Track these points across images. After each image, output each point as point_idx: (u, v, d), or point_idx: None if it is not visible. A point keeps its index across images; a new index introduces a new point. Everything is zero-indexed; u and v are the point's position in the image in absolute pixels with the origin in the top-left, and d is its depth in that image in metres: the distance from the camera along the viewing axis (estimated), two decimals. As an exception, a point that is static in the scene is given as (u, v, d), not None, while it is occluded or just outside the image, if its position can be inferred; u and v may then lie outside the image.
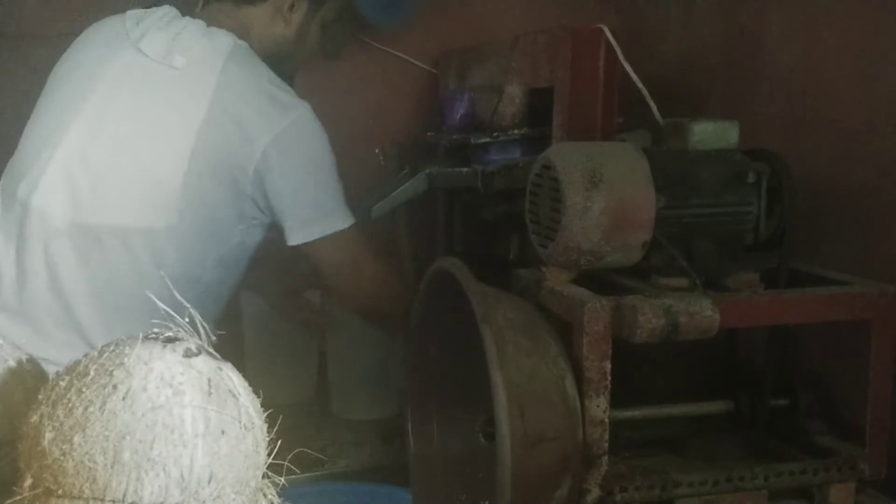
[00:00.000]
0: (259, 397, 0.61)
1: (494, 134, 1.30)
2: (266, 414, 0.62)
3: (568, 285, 0.97)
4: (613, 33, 1.15)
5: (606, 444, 0.90)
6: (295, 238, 1.22)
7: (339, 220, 1.23)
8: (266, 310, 1.48)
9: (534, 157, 1.24)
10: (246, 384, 0.61)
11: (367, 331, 1.42)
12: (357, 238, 1.26)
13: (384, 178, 1.44)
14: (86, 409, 0.55)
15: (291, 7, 1.30)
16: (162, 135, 1.17)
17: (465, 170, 1.30)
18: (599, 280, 1.01)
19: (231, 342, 0.67)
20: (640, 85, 1.13)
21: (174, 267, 1.16)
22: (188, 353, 0.59)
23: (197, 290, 1.19)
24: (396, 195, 1.37)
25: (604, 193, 0.94)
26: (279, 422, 0.62)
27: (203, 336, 0.60)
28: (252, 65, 1.23)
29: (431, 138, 1.44)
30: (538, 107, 1.27)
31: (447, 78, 1.52)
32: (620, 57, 1.15)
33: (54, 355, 0.60)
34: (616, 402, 0.91)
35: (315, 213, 1.22)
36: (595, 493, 0.91)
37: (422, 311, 1.08)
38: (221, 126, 1.17)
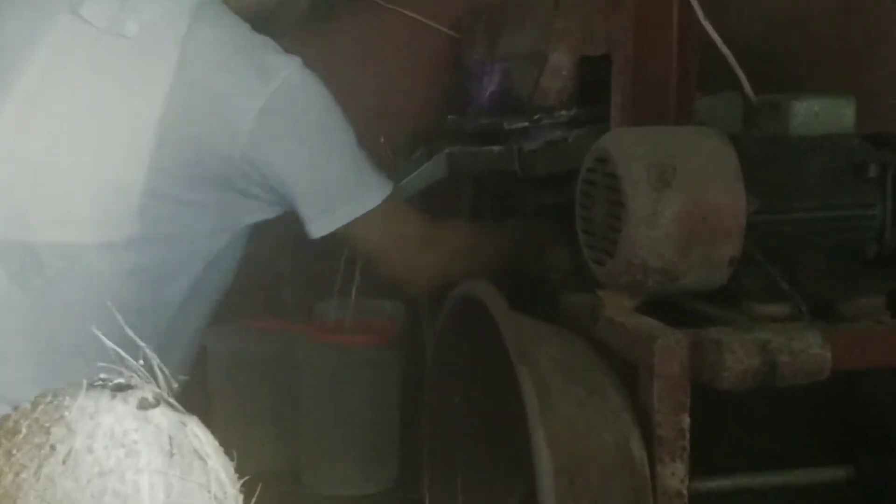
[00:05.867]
0: (233, 461, 0.63)
1: (535, 117, 1.33)
2: (241, 482, 0.64)
3: (632, 314, 0.99)
4: (690, -16, 1.17)
5: (685, 524, 0.92)
6: (318, 229, 1.22)
7: (368, 194, 1.23)
8: (237, 348, 1.51)
9: (587, 128, 1.26)
10: (216, 444, 0.63)
11: (350, 377, 1.44)
12: (396, 210, 1.27)
13: (391, 169, 1.47)
14: (17, 475, 0.57)
15: None
16: (115, 125, 1.19)
17: (496, 149, 1.33)
18: (673, 308, 1.02)
19: (196, 390, 0.69)
20: (725, 51, 1.14)
21: (137, 291, 1.18)
22: (144, 405, 0.60)
23: (166, 318, 1.20)
24: (407, 184, 1.39)
25: (678, 194, 0.96)
26: (257, 492, 0.64)
27: (162, 382, 0.62)
28: (224, 22, 1.23)
29: (453, 122, 1.47)
30: (592, 81, 1.30)
31: (473, 44, 1.54)
32: (699, 15, 1.16)
33: None
34: (697, 468, 0.92)
35: (336, 193, 1.22)
36: (671, 587, 0.92)
37: (441, 351, 1.10)
38: (191, 106, 1.18)
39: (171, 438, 0.60)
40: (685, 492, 0.91)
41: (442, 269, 1.28)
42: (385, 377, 1.48)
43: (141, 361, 0.60)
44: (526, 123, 1.33)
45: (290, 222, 1.29)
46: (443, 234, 1.32)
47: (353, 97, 1.52)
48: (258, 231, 1.29)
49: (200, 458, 0.60)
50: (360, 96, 1.55)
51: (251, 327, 1.49)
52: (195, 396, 0.69)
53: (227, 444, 0.64)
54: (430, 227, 1.30)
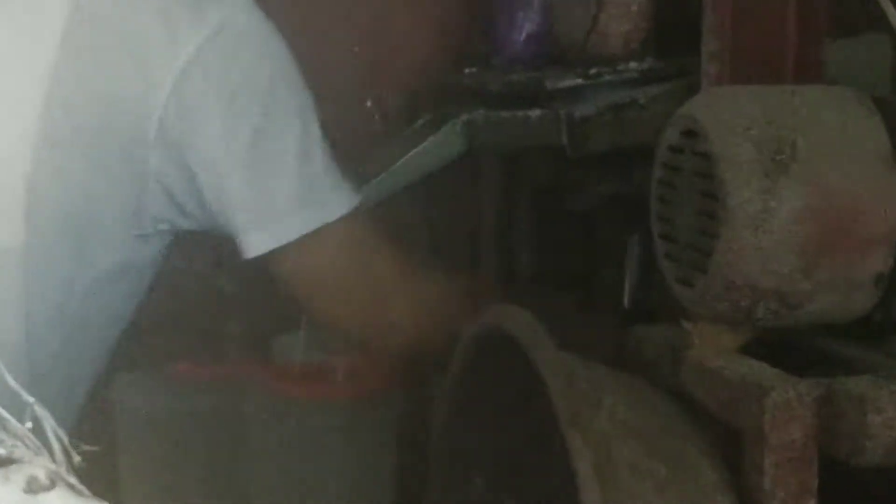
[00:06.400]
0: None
1: (591, 71, 1.33)
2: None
3: (733, 356, 0.99)
4: None
5: None
6: (255, 244, 1.22)
7: (328, 202, 1.24)
8: (160, 403, 1.51)
9: (667, 86, 1.27)
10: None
11: (321, 444, 1.44)
12: (363, 232, 1.28)
13: (382, 144, 1.48)
14: None
15: None
16: None
17: (535, 114, 1.34)
18: (793, 347, 1.02)
19: (102, 458, 0.69)
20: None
21: (16, 317, 1.19)
22: (34, 486, 0.60)
23: (52, 355, 1.21)
24: (406, 164, 1.40)
25: (800, 184, 0.95)
26: None
27: (59, 453, 0.62)
28: None
29: (472, 78, 1.47)
30: (673, 20, 1.30)
31: (502, -34, 1.55)
32: (829, -76, 1.17)
33: None
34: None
35: (284, 196, 1.23)
36: None
37: (455, 407, 1.10)
38: (94, 52, 1.19)
39: (71, 535, 0.60)
40: None
41: (420, 328, 1.29)
42: (372, 443, 1.48)
43: (29, 423, 0.60)
44: (578, 80, 1.34)
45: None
46: (427, 280, 1.33)
47: (327, 43, 1.53)
48: (188, 237, 1.30)
49: (113, 562, 0.60)
50: (337, 41, 1.56)
51: (179, 374, 1.50)
52: (102, 469, 0.68)
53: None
54: (409, 266, 1.31)
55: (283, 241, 1.22)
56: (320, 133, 1.25)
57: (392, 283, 1.29)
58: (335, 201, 1.24)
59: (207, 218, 1.24)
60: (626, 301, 1.35)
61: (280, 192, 1.23)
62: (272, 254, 1.23)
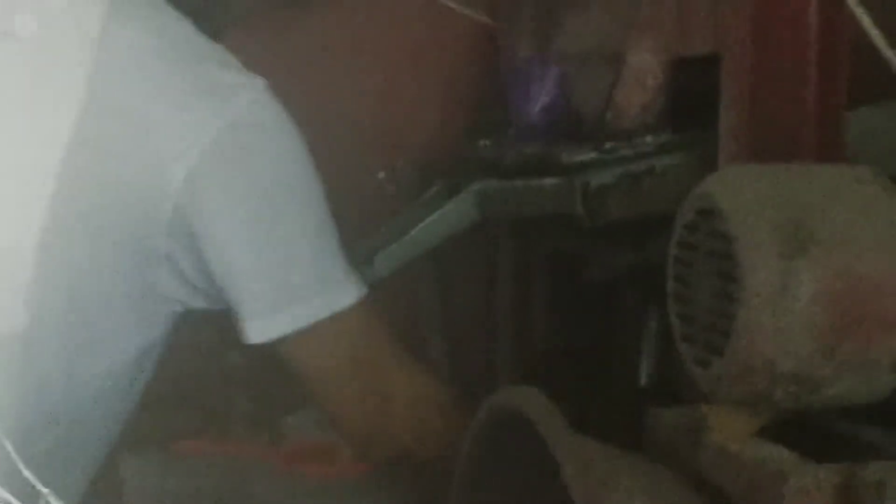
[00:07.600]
0: None
1: (606, 145, 1.34)
2: None
3: (752, 441, 0.99)
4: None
5: None
6: (259, 330, 1.26)
7: (338, 290, 1.27)
8: (167, 483, 1.51)
9: (683, 156, 1.28)
10: None
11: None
12: (372, 323, 1.30)
13: (394, 214, 1.50)
14: None
15: None
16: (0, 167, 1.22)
17: (550, 183, 1.36)
18: (813, 431, 1.03)
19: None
20: (887, 52, 1.15)
21: (25, 402, 1.20)
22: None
23: (59, 438, 1.22)
24: (418, 234, 1.41)
25: (818, 265, 0.96)
26: None
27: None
28: (154, 18, 1.28)
29: (485, 151, 1.49)
30: (690, 94, 1.31)
31: (517, 37, 1.56)
32: (849, -1, 1.18)
33: None
34: None
35: (293, 284, 1.26)
36: None
37: (467, 491, 1.10)
38: (108, 140, 1.21)
39: None
40: None
41: (431, 428, 1.32)
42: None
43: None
44: (593, 154, 1.35)
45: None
46: (430, 381, 1.36)
47: (338, 113, 1.54)
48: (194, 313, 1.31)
49: None
50: (349, 112, 1.57)
51: (186, 452, 1.50)
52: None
53: None
54: (413, 362, 1.34)
55: (282, 333, 1.24)
56: (331, 223, 1.27)
57: (402, 375, 1.32)
58: (345, 290, 1.26)
59: (220, 298, 1.26)
60: (642, 378, 1.36)
61: (287, 281, 1.25)
62: (284, 340, 1.25)
